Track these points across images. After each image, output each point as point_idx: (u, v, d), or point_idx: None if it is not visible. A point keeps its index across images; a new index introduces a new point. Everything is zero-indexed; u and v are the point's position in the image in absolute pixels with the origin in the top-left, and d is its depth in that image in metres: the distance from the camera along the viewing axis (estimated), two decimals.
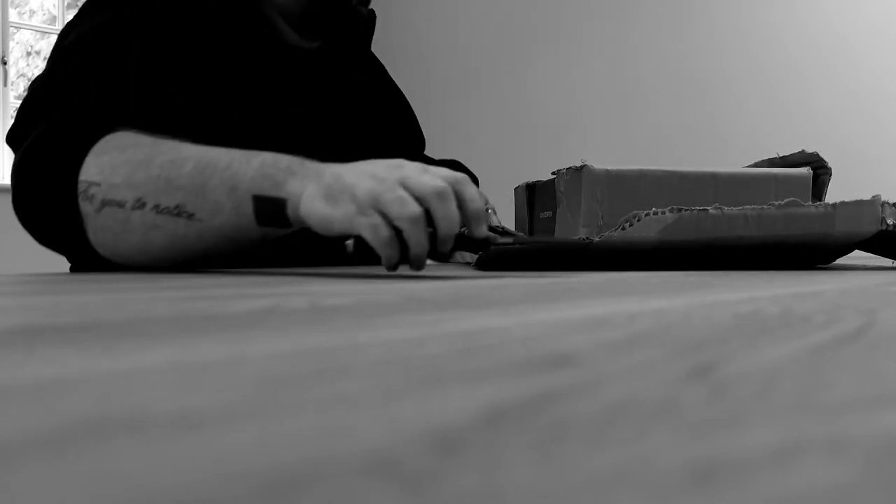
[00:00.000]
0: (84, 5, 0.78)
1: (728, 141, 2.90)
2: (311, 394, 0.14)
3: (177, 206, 0.61)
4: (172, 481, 0.09)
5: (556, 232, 0.82)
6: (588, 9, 3.29)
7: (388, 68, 1.10)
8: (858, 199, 0.72)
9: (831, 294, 0.39)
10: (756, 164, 0.88)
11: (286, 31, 0.87)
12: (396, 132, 1.01)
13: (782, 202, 0.70)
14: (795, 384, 0.15)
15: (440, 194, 0.53)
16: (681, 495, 0.09)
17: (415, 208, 0.53)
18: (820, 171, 0.82)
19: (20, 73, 3.29)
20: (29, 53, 3.33)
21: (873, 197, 0.72)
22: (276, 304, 0.31)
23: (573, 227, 0.76)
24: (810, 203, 0.71)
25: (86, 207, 0.64)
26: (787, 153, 0.85)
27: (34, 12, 3.33)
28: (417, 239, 0.53)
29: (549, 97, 3.36)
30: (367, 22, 0.97)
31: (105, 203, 0.63)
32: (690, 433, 0.11)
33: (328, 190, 0.56)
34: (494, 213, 0.86)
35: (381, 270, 0.65)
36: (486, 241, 0.57)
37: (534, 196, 0.92)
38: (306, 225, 0.59)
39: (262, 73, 0.82)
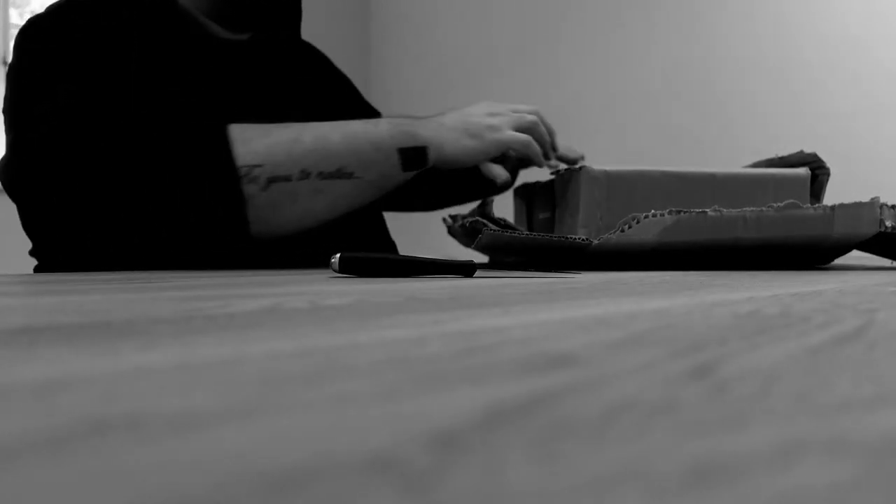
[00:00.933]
0: (22, 49, 0.78)
1: (729, 142, 2.90)
2: (311, 394, 0.14)
3: (338, 170, 0.73)
4: (172, 481, 0.09)
5: (556, 233, 0.82)
6: (588, 9, 3.29)
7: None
8: (858, 201, 0.72)
9: (830, 294, 0.39)
10: (755, 165, 0.88)
11: (209, 26, 0.86)
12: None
13: (781, 204, 0.69)
14: (795, 384, 0.15)
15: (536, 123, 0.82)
16: (681, 495, 0.09)
17: (529, 118, 0.81)
18: (818, 171, 0.82)
19: None
20: None
21: (872, 199, 0.72)
22: (276, 304, 0.31)
23: (572, 228, 0.76)
24: (809, 205, 0.71)
25: (251, 189, 0.70)
26: (786, 153, 0.85)
27: (35, 13, 3.33)
28: (542, 132, 0.82)
29: (549, 98, 3.36)
30: (292, 7, 0.96)
31: (271, 180, 0.71)
32: (690, 433, 0.11)
33: (467, 131, 0.77)
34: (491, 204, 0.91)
35: None
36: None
37: (532, 197, 0.92)
38: (444, 163, 0.77)
39: (198, 72, 0.82)
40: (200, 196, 0.70)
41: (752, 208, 0.69)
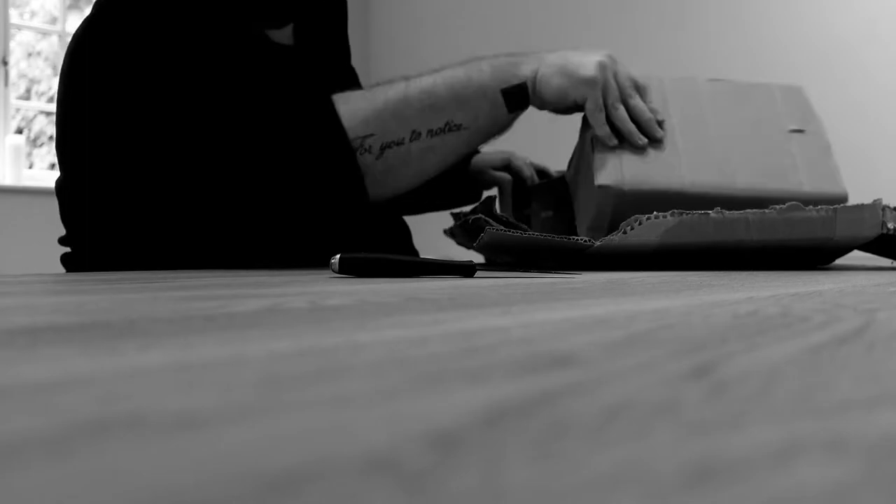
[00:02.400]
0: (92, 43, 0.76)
1: None
2: (311, 394, 0.14)
3: (446, 124, 0.72)
4: (172, 481, 0.09)
5: (557, 232, 0.82)
6: (588, 9, 3.30)
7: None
8: (860, 202, 0.71)
9: (831, 294, 0.39)
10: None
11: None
12: None
13: (784, 206, 0.69)
14: (795, 384, 0.15)
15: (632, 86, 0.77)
16: (681, 495, 0.09)
17: (622, 94, 0.76)
18: None
19: (21, 73, 3.29)
20: (30, 54, 3.33)
21: (874, 201, 0.72)
22: (276, 304, 0.31)
23: (578, 227, 0.76)
24: (812, 207, 0.70)
25: (366, 159, 0.71)
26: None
27: (35, 13, 3.33)
28: (639, 106, 0.75)
29: None
30: (339, 6, 0.94)
31: (384, 147, 0.71)
32: (690, 433, 0.11)
33: (563, 68, 0.74)
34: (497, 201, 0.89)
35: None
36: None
37: (529, 196, 0.92)
38: (538, 101, 0.76)
39: (257, 70, 0.81)
40: (318, 174, 0.71)
41: (754, 211, 0.69)
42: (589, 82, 0.74)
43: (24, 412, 0.12)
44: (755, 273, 0.62)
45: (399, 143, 0.72)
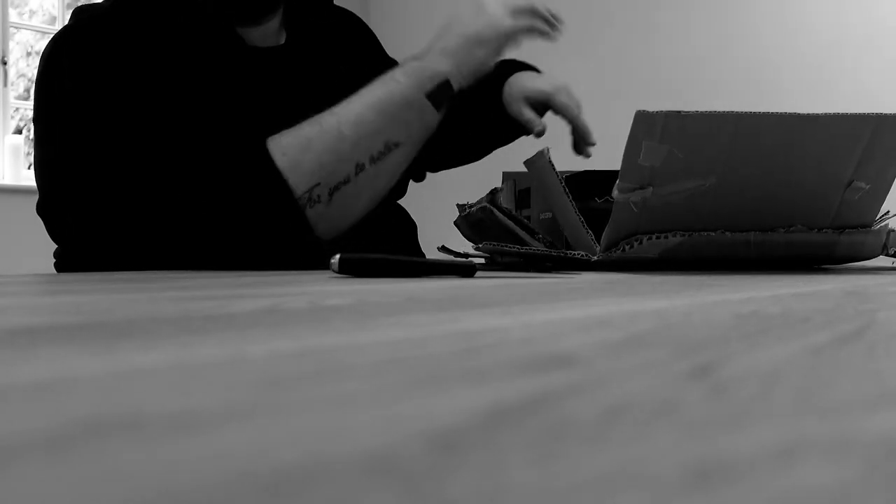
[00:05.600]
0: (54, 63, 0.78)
1: None
2: (311, 394, 0.14)
3: (385, 145, 0.73)
4: (172, 482, 0.09)
5: (556, 234, 0.82)
6: (583, 9, 3.30)
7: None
8: (867, 228, 0.71)
9: (831, 294, 0.39)
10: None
11: (244, 33, 0.83)
12: None
13: (787, 230, 0.68)
14: (795, 384, 0.15)
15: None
16: (681, 495, 0.09)
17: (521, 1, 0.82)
18: None
19: (20, 73, 3.28)
20: (29, 54, 3.33)
21: (882, 225, 0.72)
22: (276, 304, 0.31)
23: (577, 224, 0.76)
24: (816, 230, 0.69)
25: (317, 210, 0.71)
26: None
27: (34, 13, 3.32)
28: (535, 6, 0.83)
29: None
30: None
31: (333, 190, 0.71)
32: (690, 433, 0.11)
33: (468, 41, 0.77)
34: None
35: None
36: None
37: (527, 195, 0.92)
38: (469, 80, 0.78)
39: (234, 80, 0.80)
40: (267, 231, 0.70)
41: (757, 231, 0.67)
42: (506, 34, 0.79)
43: (24, 412, 0.12)
44: (755, 273, 0.62)
45: (346, 182, 0.72)
